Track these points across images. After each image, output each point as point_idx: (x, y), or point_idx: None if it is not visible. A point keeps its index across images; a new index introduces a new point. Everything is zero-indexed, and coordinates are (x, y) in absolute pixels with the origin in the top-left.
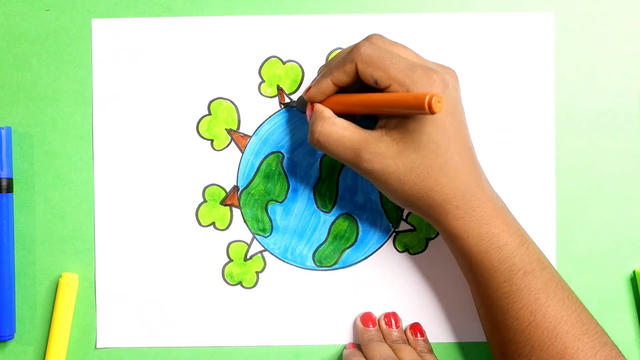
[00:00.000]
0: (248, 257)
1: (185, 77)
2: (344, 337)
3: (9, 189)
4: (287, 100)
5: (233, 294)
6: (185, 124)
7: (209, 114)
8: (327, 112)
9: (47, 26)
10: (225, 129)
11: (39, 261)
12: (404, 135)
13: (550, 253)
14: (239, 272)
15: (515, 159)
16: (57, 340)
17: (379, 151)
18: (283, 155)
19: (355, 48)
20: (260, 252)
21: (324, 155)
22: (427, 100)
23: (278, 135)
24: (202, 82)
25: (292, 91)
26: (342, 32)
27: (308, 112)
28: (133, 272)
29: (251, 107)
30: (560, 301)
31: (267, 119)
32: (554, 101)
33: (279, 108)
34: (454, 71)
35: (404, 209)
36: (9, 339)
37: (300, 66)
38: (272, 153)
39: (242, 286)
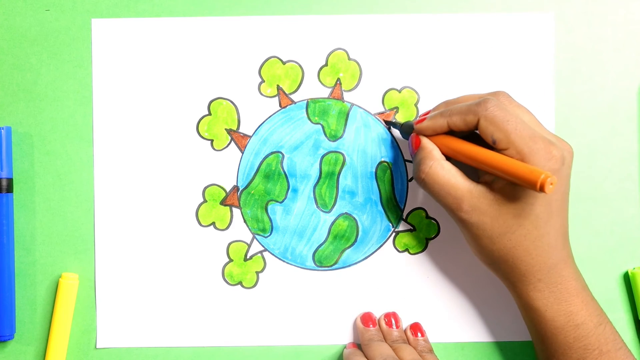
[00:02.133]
0: (248, 257)
1: (185, 77)
2: (344, 337)
3: (9, 189)
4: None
5: (233, 294)
6: (185, 124)
7: (209, 114)
8: (437, 153)
9: (47, 26)
10: (225, 129)
11: (39, 261)
12: (507, 199)
13: None
14: (239, 272)
15: None
16: (57, 340)
17: (479, 206)
18: (283, 155)
19: (482, 102)
20: (260, 252)
21: (324, 155)
22: (541, 179)
23: (278, 135)
24: (202, 82)
25: (292, 91)
26: (342, 32)
27: (413, 142)
28: (133, 272)
29: (251, 107)
30: None
31: (267, 119)
32: (553, 101)
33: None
34: (570, 146)
35: (404, 209)
36: (9, 339)
37: (300, 66)
38: (272, 153)
39: (242, 286)
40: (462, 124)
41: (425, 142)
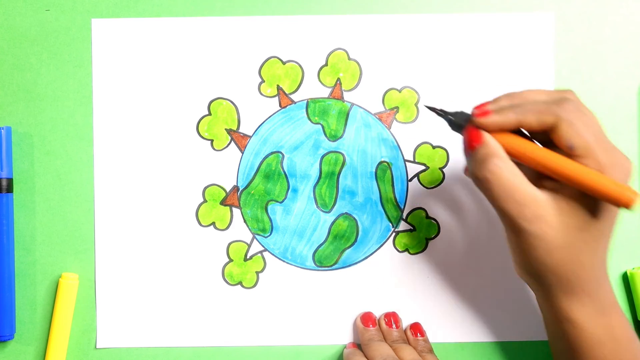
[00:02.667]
0: (248, 257)
1: (185, 77)
2: (344, 337)
3: (9, 189)
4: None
5: (233, 294)
6: (185, 124)
7: (209, 114)
8: (503, 152)
9: (47, 26)
10: (225, 129)
11: (39, 261)
12: (574, 210)
13: None
14: (239, 272)
15: None
16: (57, 340)
17: (543, 214)
18: (283, 155)
19: (562, 103)
20: (260, 252)
21: (324, 155)
22: (631, 197)
23: (278, 135)
24: (202, 82)
25: (292, 91)
26: (342, 33)
27: (471, 136)
28: (133, 272)
29: (251, 107)
30: None
31: (267, 119)
32: None
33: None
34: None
35: (403, 209)
36: (9, 339)
37: (300, 66)
38: (272, 153)
39: (242, 286)
40: (536, 124)
41: (489, 137)
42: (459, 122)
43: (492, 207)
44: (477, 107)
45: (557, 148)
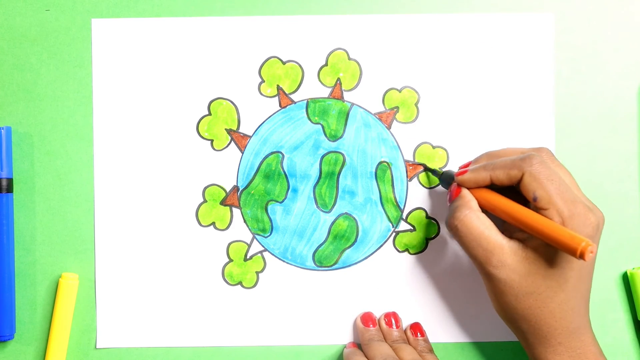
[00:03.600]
0: (248, 257)
1: (185, 77)
2: (344, 337)
3: (9, 189)
4: (421, 166)
5: (233, 294)
6: (185, 124)
7: (209, 114)
8: (474, 204)
9: (47, 26)
10: (225, 129)
11: (39, 261)
12: (539, 259)
13: None
14: (239, 272)
15: None
16: (57, 340)
17: (509, 262)
18: (283, 155)
19: (527, 158)
20: (260, 252)
21: (324, 155)
22: (582, 247)
23: (278, 135)
24: (202, 82)
25: (292, 91)
26: (342, 33)
27: (452, 191)
28: (133, 272)
29: (251, 107)
30: None
31: (267, 119)
32: (553, 101)
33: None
34: (603, 215)
35: (403, 209)
36: (9, 339)
37: (300, 66)
38: (272, 153)
39: (242, 286)
40: (505, 178)
41: (465, 192)
42: (447, 180)
43: (465, 252)
44: (460, 167)
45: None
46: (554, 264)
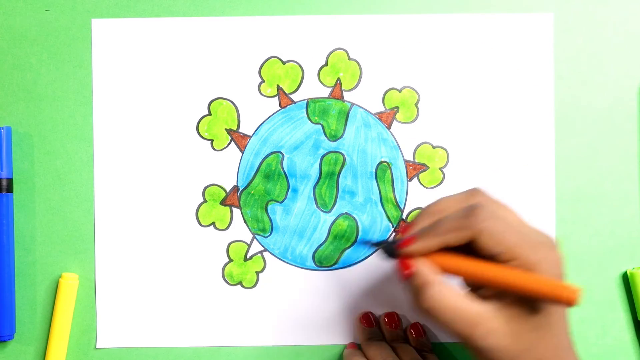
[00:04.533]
0: (248, 257)
1: (185, 77)
2: (344, 337)
3: (9, 189)
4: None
5: (233, 294)
6: (185, 124)
7: (209, 114)
8: (436, 277)
9: (47, 26)
10: (225, 129)
11: (39, 261)
12: (522, 314)
13: None
14: (239, 272)
15: (515, 159)
16: (57, 340)
17: (494, 328)
18: (283, 155)
19: (473, 215)
20: (260, 252)
21: (324, 155)
22: (572, 295)
23: (278, 135)
24: (202, 82)
25: (292, 91)
26: (342, 33)
27: (402, 267)
28: (133, 272)
29: (251, 107)
30: None
31: (267, 119)
32: (553, 101)
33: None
34: (551, 237)
35: (403, 209)
36: (9, 339)
37: (300, 66)
38: (272, 153)
39: (242, 286)
40: (457, 242)
41: (422, 265)
42: (389, 252)
43: (443, 330)
44: (399, 234)
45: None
46: (538, 313)
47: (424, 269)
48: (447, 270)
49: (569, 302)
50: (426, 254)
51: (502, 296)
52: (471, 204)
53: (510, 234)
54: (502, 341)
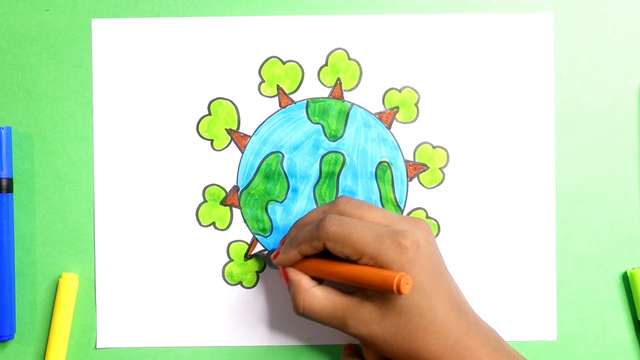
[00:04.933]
0: (248, 257)
1: (185, 77)
2: (344, 337)
3: (9, 189)
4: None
5: (233, 294)
6: (185, 124)
7: (209, 114)
8: (305, 282)
9: (47, 26)
10: (225, 129)
11: (39, 261)
12: (384, 300)
13: (550, 252)
14: (239, 272)
15: (515, 159)
16: (57, 340)
17: (362, 317)
18: (283, 155)
19: (320, 226)
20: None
21: (324, 155)
22: (395, 285)
23: (278, 135)
24: (202, 82)
25: (292, 91)
26: (342, 32)
27: (282, 274)
28: (133, 272)
29: (251, 107)
30: None
31: (267, 119)
32: (553, 101)
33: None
34: (425, 222)
35: (403, 209)
36: (9, 339)
37: (300, 66)
38: (272, 153)
39: (242, 286)
40: (312, 250)
41: (292, 274)
42: (270, 263)
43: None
44: (280, 244)
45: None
46: (398, 299)
47: (295, 276)
48: (314, 274)
49: (399, 291)
50: (291, 263)
51: (365, 289)
52: (325, 213)
53: (353, 235)
54: (372, 327)
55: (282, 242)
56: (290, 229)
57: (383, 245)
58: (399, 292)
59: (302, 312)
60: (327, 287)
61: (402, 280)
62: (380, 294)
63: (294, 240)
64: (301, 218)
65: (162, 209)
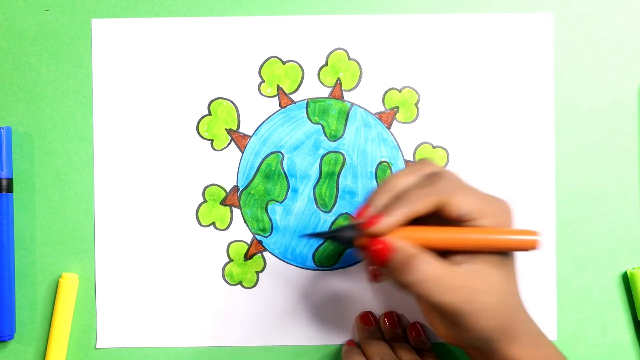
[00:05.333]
0: (248, 257)
1: (185, 77)
2: (344, 337)
3: (9, 189)
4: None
5: (233, 294)
6: (185, 124)
7: (209, 114)
8: (416, 249)
9: (47, 26)
10: (225, 129)
11: (39, 261)
12: (495, 269)
13: (550, 252)
14: (239, 272)
15: (515, 159)
16: (57, 340)
17: (477, 288)
18: (283, 155)
19: (435, 181)
20: (261, 252)
21: (324, 155)
22: (532, 242)
23: (278, 135)
24: (202, 82)
25: (292, 91)
26: (342, 32)
27: (377, 248)
28: (133, 272)
29: (251, 107)
30: None
31: (267, 119)
32: (553, 101)
33: (277, 109)
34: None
35: None
36: (9, 339)
37: (300, 66)
38: (272, 153)
39: (242, 286)
40: (425, 209)
41: (399, 242)
42: (348, 237)
43: (428, 304)
44: (360, 215)
45: (444, 220)
46: (504, 263)
47: (403, 244)
48: (419, 244)
49: (532, 247)
50: (394, 229)
51: (474, 256)
52: (430, 172)
53: (473, 195)
54: (487, 299)
55: (360, 214)
56: (375, 195)
57: (493, 204)
58: (532, 248)
59: (414, 280)
60: (438, 256)
61: (537, 234)
62: (491, 263)
63: (401, 201)
64: (384, 183)
65: (162, 209)
